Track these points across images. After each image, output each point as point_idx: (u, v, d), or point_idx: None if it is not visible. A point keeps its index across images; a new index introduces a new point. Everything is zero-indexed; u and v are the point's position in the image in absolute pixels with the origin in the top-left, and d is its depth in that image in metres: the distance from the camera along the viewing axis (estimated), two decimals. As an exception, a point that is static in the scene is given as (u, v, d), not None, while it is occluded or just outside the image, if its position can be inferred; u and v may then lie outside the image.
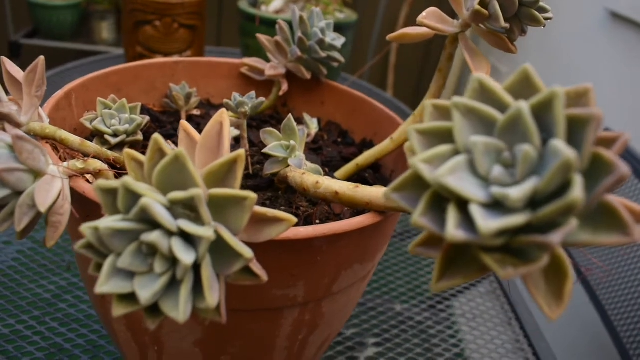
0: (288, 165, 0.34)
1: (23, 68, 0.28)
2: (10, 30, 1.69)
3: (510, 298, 0.59)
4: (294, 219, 0.22)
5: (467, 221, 0.17)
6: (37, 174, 0.24)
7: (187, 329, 0.30)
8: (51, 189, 0.24)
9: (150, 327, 0.20)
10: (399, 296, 0.58)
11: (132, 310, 0.20)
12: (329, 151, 0.42)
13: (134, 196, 0.19)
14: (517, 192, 0.17)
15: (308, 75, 0.44)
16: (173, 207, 0.19)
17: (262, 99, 0.38)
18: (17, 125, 0.26)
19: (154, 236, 0.18)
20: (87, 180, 0.27)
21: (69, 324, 0.48)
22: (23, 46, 1.57)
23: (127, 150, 0.23)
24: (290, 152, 0.34)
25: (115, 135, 0.35)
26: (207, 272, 0.19)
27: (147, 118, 0.36)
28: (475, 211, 0.17)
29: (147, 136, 0.37)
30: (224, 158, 0.21)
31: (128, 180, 0.19)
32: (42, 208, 0.23)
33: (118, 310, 0.20)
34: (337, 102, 0.46)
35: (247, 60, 0.45)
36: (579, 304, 0.83)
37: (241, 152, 0.21)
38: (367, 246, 0.31)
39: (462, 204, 0.17)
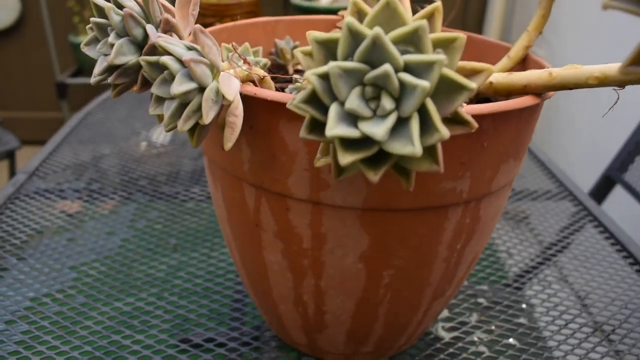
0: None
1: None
2: (56, 72, 1.75)
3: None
4: (493, 67, 0.22)
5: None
6: (215, 73, 0.25)
7: (353, 241, 0.30)
8: (232, 83, 0.24)
9: (374, 179, 0.20)
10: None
11: (359, 157, 0.20)
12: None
13: (356, 40, 0.19)
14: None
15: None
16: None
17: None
18: (181, 38, 0.27)
19: (384, 68, 0.18)
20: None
21: (188, 297, 0.48)
22: (69, 86, 1.62)
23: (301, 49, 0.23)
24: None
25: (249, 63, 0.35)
26: (433, 105, 0.19)
27: (268, 61, 0.37)
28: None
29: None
30: (424, 10, 0.21)
31: (352, 20, 0.19)
32: (230, 96, 0.24)
33: (345, 158, 0.20)
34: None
35: (345, 12, 0.45)
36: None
37: (438, 3, 0.21)
38: (522, 134, 0.30)
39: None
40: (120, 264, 0.52)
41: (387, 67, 0.18)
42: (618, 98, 0.30)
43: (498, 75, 0.29)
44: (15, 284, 0.49)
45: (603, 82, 0.28)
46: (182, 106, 0.24)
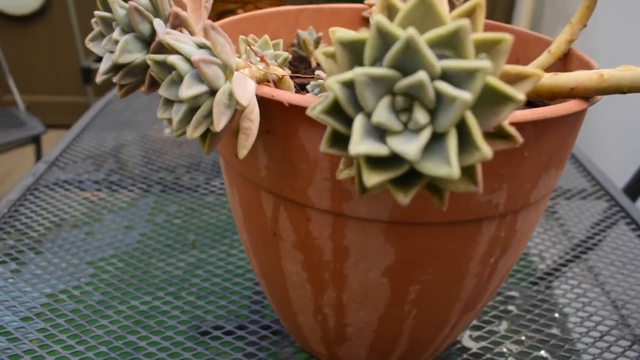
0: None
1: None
2: (81, 57, 1.75)
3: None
4: (542, 73, 0.19)
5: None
6: (228, 73, 0.23)
7: (377, 255, 0.28)
8: (247, 85, 0.22)
9: (404, 201, 0.18)
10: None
11: (387, 178, 0.17)
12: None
13: (386, 42, 0.17)
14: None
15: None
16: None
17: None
18: (192, 33, 0.25)
19: (419, 76, 0.16)
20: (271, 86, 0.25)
21: (206, 297, 0.47)
22: (94, 70, 1.63)
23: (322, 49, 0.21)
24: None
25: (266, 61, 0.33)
26: (473, 119, 0.16)
27: (289, 54, 0.34)
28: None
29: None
30: (463, 6, 0.18)
31: (383, 20, 0.16)
32: (244, 101, 0.21)
33: (371, 179, 0.17)
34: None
35: (371, 1, 0.43)
36: None
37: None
38: (566, 142, 0.27)
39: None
40: (138, 260, 0.51)
41: (421, 74, 0.16)
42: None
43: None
44: (33, 279, 0.48)
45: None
46: (192, 111, 0.22)
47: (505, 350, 0.42)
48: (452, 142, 0.16)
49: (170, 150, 0.73)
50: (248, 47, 0.25)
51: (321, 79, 0.32)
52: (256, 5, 0.80)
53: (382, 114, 0.17)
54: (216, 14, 0.79)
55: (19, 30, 2.09)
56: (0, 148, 1.46)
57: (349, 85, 0.17)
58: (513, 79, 0.19)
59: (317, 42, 0.41)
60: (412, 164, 0.17)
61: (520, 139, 0.19)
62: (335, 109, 0.18)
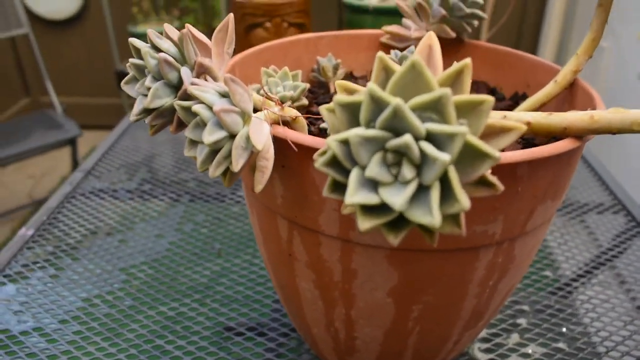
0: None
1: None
2: (116, 60, 1.81)
3: None
4: (524, 127, 0.21)
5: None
6: (245, 119, 0.25)
7: (382, 277, 0.30)
8: (262, 130, 0.25)
9: (393, 242, 0.20)
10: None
11: (378, 223, 0.20)
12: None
13: (378, 106, 0.19)
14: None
15: (453, 34, 0.43)
16: (415, 114, 0.19)
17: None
18: (215, 79, 0.28)
19: (405, 139, 0.18)
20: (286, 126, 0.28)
21: (229, 305, 0.50)
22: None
23: (338, 81, 0.23)
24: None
25: (281, 102, 0.36)
26: (455, 174, 0.19)
27: (307, 85, 0.37)
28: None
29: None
30: (452, 68, 0.21)
31: (374, 88, 0.19)
32: (259, 146, 0.24)
33: (364, 224, 0.20)
34: (481, 59, 0.45)
35: (389, 28, 0.45)
36: None
37: (467, 61, 0.21)
38: (561, 177, 0.29)
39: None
40: (167, 268, 0.55)
41: (407, 137, 0.18)
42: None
43: (537, 116, 0.28)
44: (70, 284, 0.52)
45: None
46: (214, 152, 0.25)
47: (512, 363, 0.44)
48: (434, 194, 0.19)
49: (199, 160, 0.76)
50: (264, 92, 0.28)
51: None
52: (283, 18, 0.83)
53: (374, 168, 0.19)
54: (245, 27, 0.82)
55: (56, 35, 2.17)
56: (38, 150, 1.53)
57: (346, 142, 0.19)
58: (498, 132, 0.22)
59: (335, 69, 0.43)
60: (400, 212, 0.19)
61: (501, 187, 0.21)
62: (334, 162, 0.20)
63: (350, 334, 0.35)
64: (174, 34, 0.29)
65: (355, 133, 0.19)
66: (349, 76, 0.47)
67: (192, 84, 0.25)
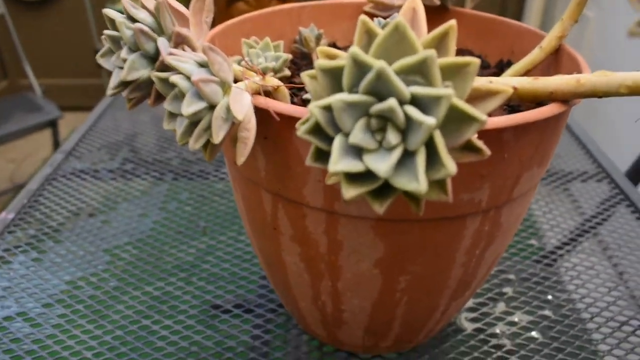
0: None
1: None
2: (95, 41, 1.77)
3: None
4: (510, 89, 0.21)
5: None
6: (225, 89, 0.24)
7: (368, 248, 0.30)
8: (243, 100, 0.24)
9: (379, 210, 0.20)
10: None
11: (363, 191, 0.19)
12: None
13: (361, 70, 0.19)
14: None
15: (437, 2, 0.42)
16: (399, 77, 0.19)
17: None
18: (194, 49, 0.27)
19: (389, 103, 0.18)
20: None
21: (216, 282, 0.49)
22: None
23: (320, 47, 0.22)
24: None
25: (263, 72, 0.35)
26: (441, 138, 0.18)
27: (289, 56, 0.36)
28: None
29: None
30: (437, 30, 0.20)
31: (357, 51, 0.18)
32: (240, 116, 0.23)
33: (349, 192, 0.19)
34: (466, 27, 0.44)
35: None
36: None
37: (452, 22, 0.20)
38: (547, 142, 0.29)
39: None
40: (151, 247, 0.54)
41: (392, 101, 0.18)
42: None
43: (523, 81, 0.28)
44: (53, 267, 0.51)
45: (635, 91, 0.26)
46: (193, 124, 0.24)
47: (498, 331, 0.44)
48: (420, 160, 0.18)
49: (181, 138, 0.75)
50: (245, 63, 0.27)
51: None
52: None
53: (358, 135, 0.19)
54: (225, 0, 0.80)
55: (33, 15, 2.11)
56: (18, 133, 1.50)
57: (329, 109, 0.19)
58: (484, 95, 0.21)
59: (318, 39, 0.43)
60: (385, 179, 0.19)
61: (487, 152, 0.20)
62: (317, 129, 0.20)
63: (338, 306, 0.35)
64: (150, 3, 0.28)
65: (338, 98, 0.18)
66: (332, 46, 0.46)
67: (170, 54, 0.24)
